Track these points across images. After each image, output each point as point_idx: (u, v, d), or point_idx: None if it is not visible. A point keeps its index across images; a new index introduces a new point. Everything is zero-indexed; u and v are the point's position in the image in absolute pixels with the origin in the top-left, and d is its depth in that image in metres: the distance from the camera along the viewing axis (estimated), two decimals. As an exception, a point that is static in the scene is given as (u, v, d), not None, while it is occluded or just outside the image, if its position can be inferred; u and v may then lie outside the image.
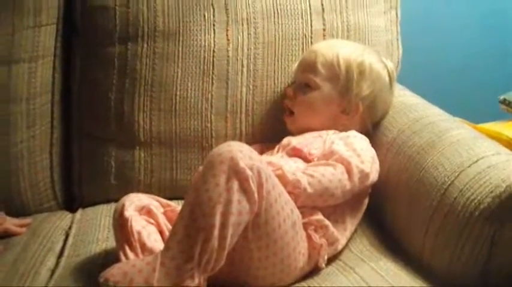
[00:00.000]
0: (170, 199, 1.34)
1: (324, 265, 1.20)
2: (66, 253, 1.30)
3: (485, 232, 1.09)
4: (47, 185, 1.53)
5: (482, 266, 1.11)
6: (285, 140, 1.41)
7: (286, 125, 1.47)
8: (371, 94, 1.42)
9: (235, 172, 1.05)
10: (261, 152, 1.41)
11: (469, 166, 1.17)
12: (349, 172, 1.23)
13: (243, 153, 1.07)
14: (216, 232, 1.03)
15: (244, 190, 1.05)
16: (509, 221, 1.09)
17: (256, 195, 1.07)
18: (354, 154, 1.26)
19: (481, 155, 1.18)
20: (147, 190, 1.43)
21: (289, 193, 1.16)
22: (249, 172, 1.05)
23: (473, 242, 1.10)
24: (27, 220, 1.44)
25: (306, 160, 1.31)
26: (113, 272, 1.05)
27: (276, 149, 1.41)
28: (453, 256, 1.13)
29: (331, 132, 1.39)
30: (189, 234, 1.04)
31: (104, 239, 1.32)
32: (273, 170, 1.16)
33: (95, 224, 1.40)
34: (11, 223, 1.40)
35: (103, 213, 1.44)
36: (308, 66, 1.43)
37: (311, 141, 1.36)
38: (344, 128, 1.41)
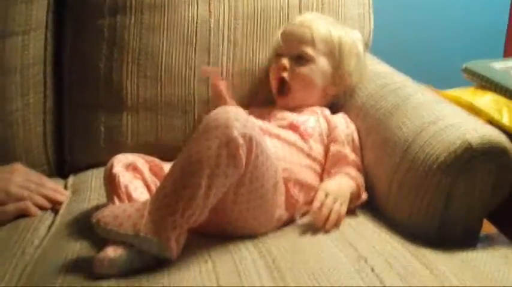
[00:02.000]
0: (156, 160, 1.40)
1: (298, 218, 1.28)
2: (61, 211, 1.39)
3: (442, 185, 1.17)
4: (40, 151, 1.59)
5: (439, 218, 1.20)
6: (278, 113, 1.48)
7: (277, 102, 1.52)
8: (356, 69, 1.52)
9: (228, 139, 1.11)
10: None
11: (429, 125, 1.24)
12: (359, 170, 1.36)
13: (239, 121, 1.13)
14: (201, 192, 1.11)
15: (234, 156, 1.12)
16: (463, 175, 1.17)
17: (243, 161, 1.13)
18: (357, 154, 1.39)
19: (441, 116, 1.26)
20: (134, 152, 1.44)
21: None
22: (240, 141, 1.12)
23: (431, 194, 1.19)
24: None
25: (302, 136, 1.40)
26: (105, 214, 1.13)
27: (268, 119, 1.47)
28: (413, 208, 1.21)
29: (319, 111, 1.48)
30: (176, 189, 1.11)
31: (95, 199, 1.41)
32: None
33: (87, 187, 1.48)
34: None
35: (93, 175, 1.52)
36: (304, 40, 1.48)
37: (306, 119, 1.44)
38: (329, 98, 1.52)
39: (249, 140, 1.14)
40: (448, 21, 2.18)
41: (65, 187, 1.52)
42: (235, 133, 1.12)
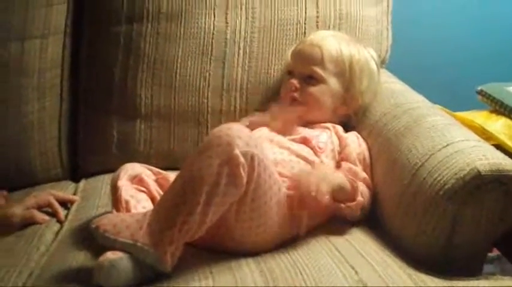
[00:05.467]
0: (167, 168, 1.41)
1: (303, 234, 1.27)
2: (69, 217, 1.41)
3: (448, 211, 1.16)
4: (54, 154, 1.62)
5: (444, 243, 1.19)
6: None
7: None
8: (368, 88, 1.51)
9: (229, 157, 1.11)
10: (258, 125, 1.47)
11: (439, 150, 1.23)
12: (369, 188, 1.35)
13: (241, 139, 1.13)
14: (199, 209, 1.11)
15: (234, 175, 1.12)
16: (470, 202, 1.16)
17: (244, 180, 1.13)
18: (367, 173, 1.37)
19: (452, 140, 1.25)
20: (146, 160, 1.50)
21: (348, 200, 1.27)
22: (241, 160, 1.12)
23: (437, 219, 1.18)
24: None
25: (314, 150, 1.40)
26: (104, 221, 1.14)
27: None
28: (419, 231, 1.20)
29: (332, 127, 1.47)
30: (176, 204, 1.12)
31: (104, 205, 1.42)
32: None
33: (97, 193, 1.50)
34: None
35: (104, 181, 1.54)
36: (314, 60, 1.48)
37: (318, 134, 1.44)
38: (340, 117, 1.51)
39: (251, 159, 1.14)
40: (467, 42, 2.15)
41: (75, 192, 1.54)
42: (237, 151, 1.12)
